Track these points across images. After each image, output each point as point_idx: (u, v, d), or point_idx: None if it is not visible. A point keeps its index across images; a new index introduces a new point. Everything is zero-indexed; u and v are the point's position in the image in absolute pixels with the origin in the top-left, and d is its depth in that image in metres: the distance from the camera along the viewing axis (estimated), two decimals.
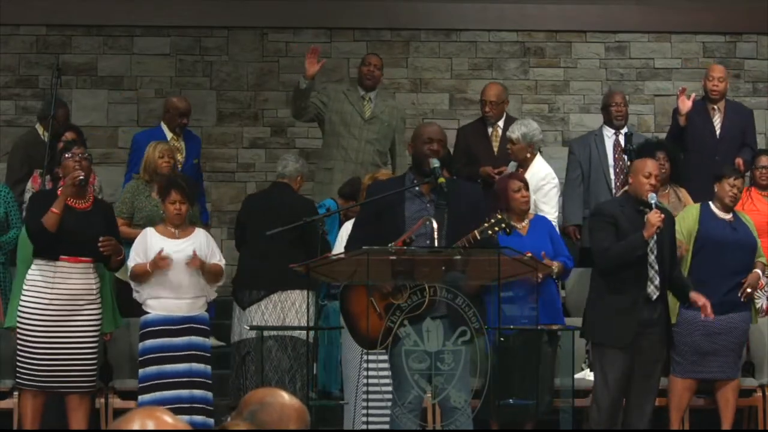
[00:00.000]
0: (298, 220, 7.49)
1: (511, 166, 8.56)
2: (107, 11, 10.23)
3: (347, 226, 7.68)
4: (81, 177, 7.23)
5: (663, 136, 9.43)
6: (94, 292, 7.32)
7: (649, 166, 7.05)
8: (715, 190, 7.74)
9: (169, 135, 8.91)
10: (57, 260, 7.23)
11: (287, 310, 7.72)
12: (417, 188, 6.15)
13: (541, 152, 8.50)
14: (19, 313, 7.28)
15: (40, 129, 8.99)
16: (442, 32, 10.55)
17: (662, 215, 6.89)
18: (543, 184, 8.16)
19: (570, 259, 7.70)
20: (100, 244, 7.21)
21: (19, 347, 7.26)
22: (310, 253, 7.53)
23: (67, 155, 7.39)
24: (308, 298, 7.59)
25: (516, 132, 8.31)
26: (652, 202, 6.89)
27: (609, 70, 10.60)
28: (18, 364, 7.27)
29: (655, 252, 6.89)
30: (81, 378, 7.27)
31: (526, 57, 10.58)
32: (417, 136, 6.26)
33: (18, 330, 7.27)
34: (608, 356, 6.93)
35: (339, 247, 7.57)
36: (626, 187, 8.24)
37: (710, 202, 7.76)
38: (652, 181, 6.96)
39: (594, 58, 10.59)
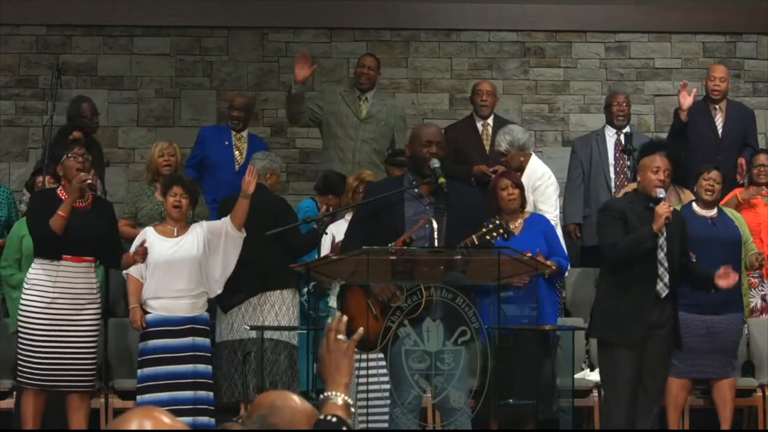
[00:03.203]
0: (269, 219, 7.50)
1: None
2: (107, 11, 10.23)
3: (335, 227, 7.67)
4: (89, 180, 7.24)
5: (663, 136, 9.43)
6: (95, 291, 7.31)
7: (657, 161, 6.89)
8: (695, 189, 7.74)
9: (233, 132, 9.13)
10: (60, 259, 7.23)
11: (266, 313, 7.70)
12: (416, 190, 6.16)
13: (541, 152, 8.49)
14: (20, 312, 7.27)
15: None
16: (442, 32, 10.55)
17: (671, 206, 6.80)
18: (539, 183, 8.13)
19: (566, 259, 7.65)
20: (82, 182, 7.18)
21: (20, 346, 7.24)
22: (294, 250, 7.57)
23: (68, 155, 7.37)
24: (308, 296, 7.60)
25: (503, 143, 8.24)
26: (661, 196, 6.75)
27: (609, 70, 10.59)
28: (19, 363, 7.26)
29: (665, 249, 6.77)
30: (81, 377, 7.26)
31: (526, 57, 10.57)
32: (415, 138, 6.26)
33: (19, 329, 7.26)
34: (617, 356, 6.75)
35: (327, 247, 7.57)
36: (634, 185, 8.24)
37: (693, 203, 7.75)
38: (661, 176, 6.81)
39: (594, 58, 10.59)
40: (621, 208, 6.88)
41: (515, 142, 8.21)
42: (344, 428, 2.99)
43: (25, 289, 7.26)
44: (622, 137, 9.11)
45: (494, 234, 6.03)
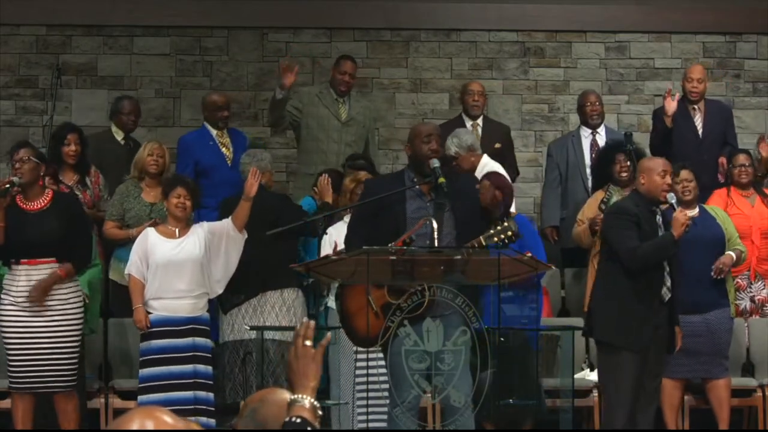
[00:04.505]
0: (270, 218, 7.50)
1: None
2: (107, 11, 10.23)
3: (334, 229, 7.66)
4: (6, 186, 7.19)
5: None
6: (66, 291, 7.28)
7: (662, 164, 6.84)
8: None
9: (213, 132, 8.99)
10: (18, 264, 7.25)
11: (267, 313, 7.70)
12: (417, 187, 6.18)
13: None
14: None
15: (113, 127, 9.00)
16: (442, 32, 10.55)
17: (688, 213, 6.79)
18: None
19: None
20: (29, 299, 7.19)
21: (6, 351, 7.31)
22: (302, 233, 7.58)
23: (10, 161, 7.33)
24: (311, 295, 7.60)
25: (452, 147, 8.32)
26: (672, 201, 6.73)
27: (609, 70, 10.59)
28: (7, 366, 7.31)
29: None
30: (62, 377, 7.27)
31: (526, 57, 10.58)
32: (415, 136, 6.30)
33: (1, 334, 7.32)
34: (622, 360, 6.71)
35: (327, 247, 7.57)
36: (601, 193, 8.22)
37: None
38: (668, 180, 6.77)
39: (594, 58, 10.59)
40: (634, 212, 6.79)
41: (462, 143, 8.34)
42: (309, 429, 3.05)
43: (1, 296, 7.29)
44: (598, 137, 9.16)
45: (501, 236, 6.05)
